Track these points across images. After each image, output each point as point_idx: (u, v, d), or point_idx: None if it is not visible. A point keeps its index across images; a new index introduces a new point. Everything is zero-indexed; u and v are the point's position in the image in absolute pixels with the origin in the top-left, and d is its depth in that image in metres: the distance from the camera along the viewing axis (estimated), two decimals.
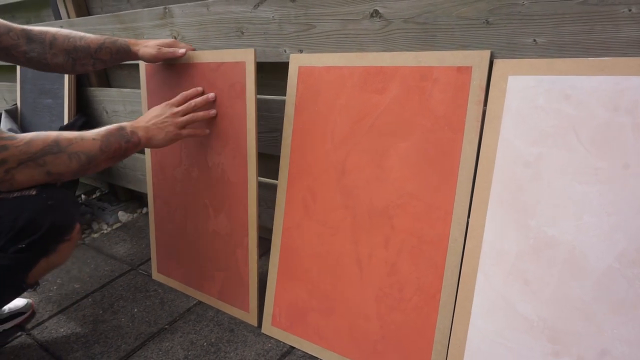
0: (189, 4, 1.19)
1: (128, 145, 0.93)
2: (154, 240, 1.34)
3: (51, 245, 0.91)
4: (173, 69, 1.16)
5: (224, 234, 1.12)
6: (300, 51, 1.02)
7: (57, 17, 1.66)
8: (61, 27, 1.62)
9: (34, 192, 0.87)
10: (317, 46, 0.99)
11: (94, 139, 0.88)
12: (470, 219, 0.78)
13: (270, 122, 1.15)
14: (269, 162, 1.23)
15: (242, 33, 1.10)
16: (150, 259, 1.45)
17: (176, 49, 1.09)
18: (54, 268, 0.96)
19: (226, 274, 1.14)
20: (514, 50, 0.77)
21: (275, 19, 1.03)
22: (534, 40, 0.75)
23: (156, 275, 1.34)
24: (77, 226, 0.94)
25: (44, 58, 1.05)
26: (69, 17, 1.62)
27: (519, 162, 0.73)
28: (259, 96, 1.17)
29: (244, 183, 1.06)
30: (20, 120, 1.87)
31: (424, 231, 0.84)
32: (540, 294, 0.71)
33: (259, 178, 1.27)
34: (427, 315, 0.83)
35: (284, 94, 1.05)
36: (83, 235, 1.66)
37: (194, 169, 1.17)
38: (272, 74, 1.16)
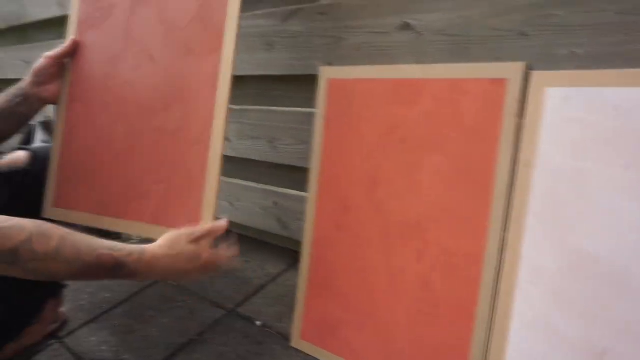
0: None
1: (113, 278, 0.74)
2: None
3: (14, 333, 0.80)
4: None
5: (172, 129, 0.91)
6: (330, 64, 1.02)
7: None
8: None
9: None
10: (346, 59, 1.00)
11: (70, 263, 0.68)
12: (507, 234, 0.76)
13: (299, 134, 1.15)
14: (297, 174, 1.23)
15: (271, 46, 1.11)
16: None
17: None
18: (31, 346, 0.85)
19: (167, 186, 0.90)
20: (550, 62, 0.76)
21: (304, 32, 1.04)
22: (572, 52, 0.73)
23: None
24: (48, 307, 0.82)
25: None
26: None
27: (559, 176, 0.71)
28: (287, 108, 1.17)
29: None
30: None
31: (458, 245, 0.83)
32: (582, 313, 0.69)
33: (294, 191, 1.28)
34: (463, 332, 0.82)
35: (312, 106, 1.05)
36: None
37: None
38: (300, 87, 1.16)
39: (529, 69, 0.77)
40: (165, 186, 0.89)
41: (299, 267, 1.05)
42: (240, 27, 1.15)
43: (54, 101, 1.00)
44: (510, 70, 0.78)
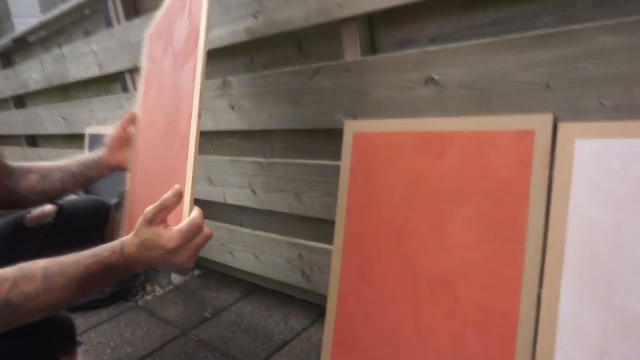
0: (246, 75, 1.26)
1: (113, 279, 0.72)
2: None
3: None
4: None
5: None
6: (355, 118, 1.04)
7: (125, 90, 1.80)
8: (127, 98, 1.75)
9: None
10: (371, 113, 1.01)
11: (64, 287, 0.66)
12: (542, 292, 0.73)
13: (324, 187, 1.16)
14: (323, 226, 1.22)
15: (298, 102, 1.14)
16: (202, 323, 1.44)
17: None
18: None
19: None
20: (578, 114, 0.75)
21: (329, 88, 1.07)
22: (600, 103, 0.73)
23: None
24: None
25: (17, 185, 1.00)
26: (135, 90, 1.75)
27: (595, 231, 0.68)
28: (312, 161, 1.18)
29: None
30: None
31: (490, 303, 0.79)
32: None
33: (314, 242, 1.26)
34: None
35: (338, 159, 1.06)
36: (137, 297, 1.68)
37: None
38: (325, 140, 1.18)
39: (556, 120, 0.76)
40: (166, 190, 0.79)
41: (324, 323, 1.01)
42: (268, 82, 1.19)
43: (120, 167, 1.08)
44: (538, 122, 0.77)
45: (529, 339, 0.74)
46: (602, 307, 0.67)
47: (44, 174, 1.02)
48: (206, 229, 0.70)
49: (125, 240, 0.70)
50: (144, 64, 1.15)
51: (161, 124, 0.95)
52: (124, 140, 1.07)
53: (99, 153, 1.06)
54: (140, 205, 0.95)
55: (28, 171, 1.02)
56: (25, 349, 0.76)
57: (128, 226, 1.04)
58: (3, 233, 1.04)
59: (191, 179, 0.76)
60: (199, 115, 0.80)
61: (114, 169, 1.07)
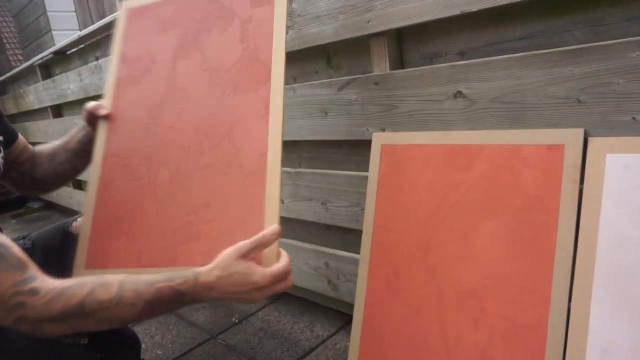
0: None
1: (178, 307, 0.73)
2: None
3: None
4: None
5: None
6: (383, 130, 1.06)
7: None
8: None
9: (85, 341, 0.80)
10: (399, 125, 1.03)
11: (133, 304, 0.68)
12: (572, 306, 0.73)
13: (351, 197, 1.18)
14: (349, 235, 1.24)
15: (326, 113, 1.17)
16: (230, 328, 1.47)
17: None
18: None
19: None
20: (610, 128, 0.75)
21: (358, 100, 1.09)
22: (633, 118, 0.73)
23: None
24: None
25: (36, 172, 1.02)
26: None
27: (626, 245, 0.68)
28: (340, 172, 1.21)
29: None
30: None
31: (518, 315, 0.79)
32: None
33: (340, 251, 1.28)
34: None
35: (365, 170, 1.08)
36: None
37: None
38: (353, 151, 1.20)
39: (587, 135, 0.77)
40: (217, 223, 0.83)
41: (350, 332, 1.03)
42: (297, 94, 1.22)
43: None
44: (568, 136, 0.78)
45: (557, 353, 0.73)
46: (634, 324, 0.66)
47: (51, 157, 1.03)
48: (290, 278, 0.73)
49: (201, 271, 0.71)
50: (119, 41, 1.05)
51: (189, 140, 0.92)
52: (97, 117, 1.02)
53: (84, 130, 1.02)
54: (149, 223, 0.90)
55: (39, 156, 1.04)
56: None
57: (93, 245, 0.93)
58: (52, 241, 1.08)
59: (277, 220, 0.77)
60: (281, 159, 0.82)
61: None
